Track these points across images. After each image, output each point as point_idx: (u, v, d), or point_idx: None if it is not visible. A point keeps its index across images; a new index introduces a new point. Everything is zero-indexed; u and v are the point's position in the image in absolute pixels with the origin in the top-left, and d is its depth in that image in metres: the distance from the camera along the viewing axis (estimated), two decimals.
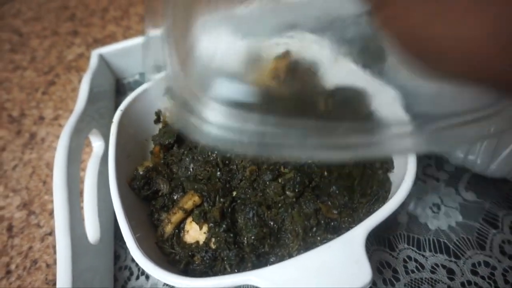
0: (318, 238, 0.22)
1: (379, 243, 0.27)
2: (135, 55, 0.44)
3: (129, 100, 0.30)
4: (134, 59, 0.44)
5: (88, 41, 0.54)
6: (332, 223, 0.23)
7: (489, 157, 0.25)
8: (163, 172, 0.27)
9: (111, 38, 0.54)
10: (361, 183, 0.24)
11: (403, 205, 0.28)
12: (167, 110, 0.26)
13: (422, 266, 0.25)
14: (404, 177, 0.22)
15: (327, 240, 0.22)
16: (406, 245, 0.26)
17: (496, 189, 0.28)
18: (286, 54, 0.30)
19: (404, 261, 0.26)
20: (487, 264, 0.25)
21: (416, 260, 0.26)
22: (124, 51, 0.43)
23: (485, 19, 0.10)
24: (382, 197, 0.23)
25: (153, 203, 0.26)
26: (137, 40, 0.43)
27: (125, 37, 0.53)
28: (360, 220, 0.21)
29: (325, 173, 0.25)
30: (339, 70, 0.29)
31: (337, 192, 0.24)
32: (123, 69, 0.45)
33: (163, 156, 0.29)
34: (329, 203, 0.23)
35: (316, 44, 0.31)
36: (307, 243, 0.23)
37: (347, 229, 0.21)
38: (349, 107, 0.23)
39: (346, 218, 0.23)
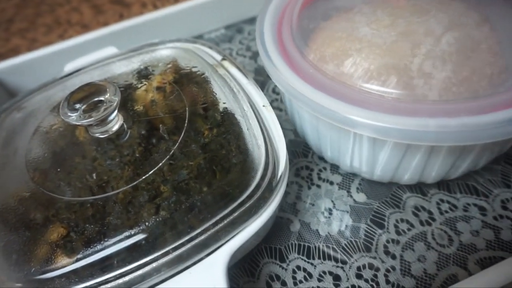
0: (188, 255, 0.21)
1: (270, 256, 0.26)
2: (34, 70, 0.41)
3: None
4: (32, 74, 0.41)
5: None
6: (203, 237, 0.21)
7: (370, 164, 0.25)
8: (39, 200, 0.25)
9: (15, 52, 0.50)
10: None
11: (296, 213, 0.28)
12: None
13: (310, 275, 0.25)
14: (274, 194, 0.22)
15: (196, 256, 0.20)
16: (296, 255, 0.26)
17: (386, 187, 0.28)
18: (171, 66, 0.29)
19: (293, 271, 0.25)
20: (371, 266, 0.25)
21: (304, 270, 0.25)
22: (21, 66, 0.40)
23: None
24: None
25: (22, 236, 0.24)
26: (36, 54, 0.40)
27: (30, 50, 0.50)
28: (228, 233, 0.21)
29: (204, 188, 0.23)
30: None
31: (211, 204, 0.22)
32: (21, 86, 0.42)
33: (41, 182, 0.27)
34: (202, 216, 0.22)
35: (198, 50, 0.30)
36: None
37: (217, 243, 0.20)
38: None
39: (219, 232, 0.22)
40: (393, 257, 0.25)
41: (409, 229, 0.26)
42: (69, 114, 0.22)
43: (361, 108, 0.20)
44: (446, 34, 0.22)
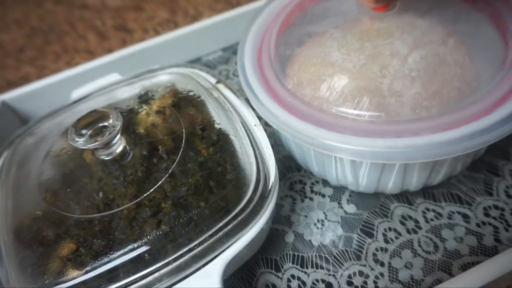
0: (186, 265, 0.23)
1: (266, 266, 0.28)
2: (43, 96, 0.44)
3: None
4: (42, 100, 0.44)
5: (1, 84, 0.53)
6: (200, 248, 0.23)
7: (354, 178, 0.27)
8: (51, 219, 0.27)
9: (25, 80, 0.53)
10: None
11: (290, 225, 0.30)
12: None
13: (304, 283, 0.27)
14: (265, 207, 0.23)
15: (194, 266, 0.22)
16: (291, 264, 0.28)
17: (375, 198, 0.30)
18: (170, 90, 0.32)
19: (288, 280, 0.27)
20: (361, 273, 0.26)
21: (299, 278, 0.27)
22: (32, 94, 0.43)
23: None
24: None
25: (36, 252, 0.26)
26: (45, 82, 0.43)
27: (40, 77, 0.53)
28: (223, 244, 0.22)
29: (201, 203, 0.25)
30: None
31: (207, 218, 0.24)
32: (32, 112, 0.44)
33: (53, 202, 0.29)
34: (199, 229, 0.24)
35: (194, 75, 0.33)
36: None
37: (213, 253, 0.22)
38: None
39: (215, 244, 0.23)
40: (382, 264, 0.27)
41: (396, 237, 0.28)
42: (76, 139, 0.24)
43: (337, 132, 0.22)
44: (412, 53, 0.23)
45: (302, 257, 0.28)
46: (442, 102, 0.23)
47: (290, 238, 0.29)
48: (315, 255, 0.28)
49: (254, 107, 0.27)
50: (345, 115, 0.23)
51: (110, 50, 0.55)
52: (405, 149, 0.21)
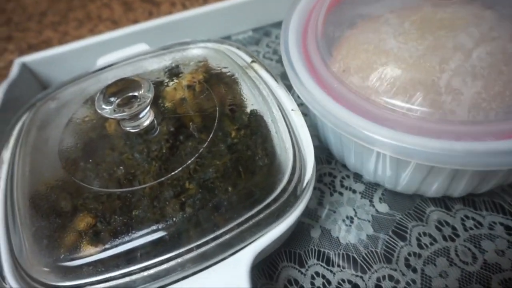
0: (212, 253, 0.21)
1: (290, 260, 0.26)
2: (65, 62, 0.42)
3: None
4: (64, 66, 0.42)
5: (22, 47, 0.52)
6: (227, 237, 0.21)
7: (394, 178, 0.25)
8: (69, 189, 0.26)
9: (47, 44, 0.52)
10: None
11: (317, 219, 0.28)
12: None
13: (329, 282, 0.25)
14: (301, 199, 0.22)
15: (220, 255, 0.20)
16: (315, 261, 0.26)
17: (409, 199, 0.28)
18: (202, 65, 0.30)
19: (312, 277, 0.25)
20: (391, 277, 0.25)
21: (323, 276, 0.25)
22: (54, 58, 0.41)
23: None
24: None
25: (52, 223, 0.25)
26: (68, 47, 0.41)
27: (61, 43, 0.51)
28: (253, 234, 0.21)
29: (230, 188, 0.24)
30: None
31: (236, 205, 0.22)
32: (53, 78, 0.43)
33: (72, 172, 0.27)
34: (227, 216, 0.22)
35: (228, 51, 0.31)
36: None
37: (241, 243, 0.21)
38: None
39: (244, 233, 0.22)
40: (414, 270, 0.25)
41: (431, 244, 0.26)
42: (103, 107, 0.22)
43: (384, 126, 0.20)
44: (477, 48, 0.21)
45: (328, 254, 0.26)
46: (503, 105, 0.20)
47: (316, 233, 0.27)
48: (342, 254, 0.26)
49: (294, 87, 0.25)
50: (395, 108, 0.21)
51: (135, 21, 0.53)
52: (465, 154, 0.18)
